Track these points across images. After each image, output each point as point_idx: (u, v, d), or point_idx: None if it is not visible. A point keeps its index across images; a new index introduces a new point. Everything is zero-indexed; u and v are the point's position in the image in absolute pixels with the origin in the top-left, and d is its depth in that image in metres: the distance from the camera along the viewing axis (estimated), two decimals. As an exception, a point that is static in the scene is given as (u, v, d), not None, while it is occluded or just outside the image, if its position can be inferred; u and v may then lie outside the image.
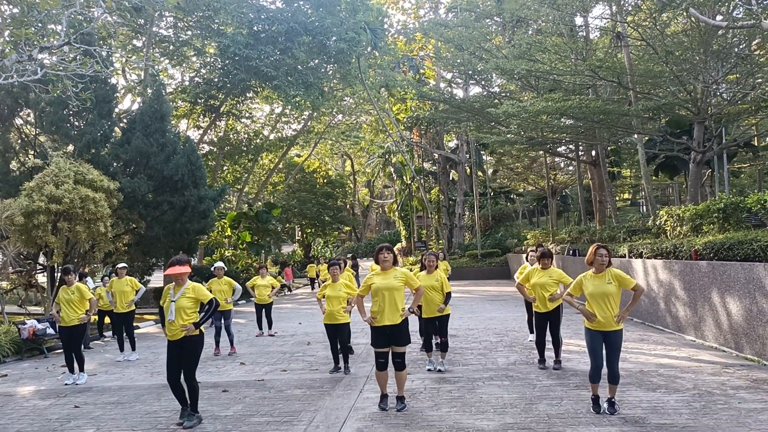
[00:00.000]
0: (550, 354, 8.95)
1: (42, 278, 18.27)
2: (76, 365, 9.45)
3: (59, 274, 12.10)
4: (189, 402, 6.76)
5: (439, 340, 9.10)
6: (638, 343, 10.56)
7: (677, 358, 9.09)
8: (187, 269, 6.75)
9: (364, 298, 7.18)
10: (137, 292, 11.86)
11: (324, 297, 9.10)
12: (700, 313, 10.48)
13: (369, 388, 7.97)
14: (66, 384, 9.30)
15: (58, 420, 7.21)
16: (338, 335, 9.06)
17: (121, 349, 11.65)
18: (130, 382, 9.32)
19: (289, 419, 6.72)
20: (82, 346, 10.00)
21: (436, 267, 8.88)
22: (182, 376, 6.69)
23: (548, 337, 8.79)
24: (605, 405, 6.41)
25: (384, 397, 7.01)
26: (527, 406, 6.77)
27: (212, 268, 12.46)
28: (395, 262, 7.05)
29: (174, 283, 6.92)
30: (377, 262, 7.04)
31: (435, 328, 8.99)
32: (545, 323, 8.73)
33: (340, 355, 9.22)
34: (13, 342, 12.48)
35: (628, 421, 6.04)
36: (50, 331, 13.02)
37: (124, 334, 11.71)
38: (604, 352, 6.37)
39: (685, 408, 6.37)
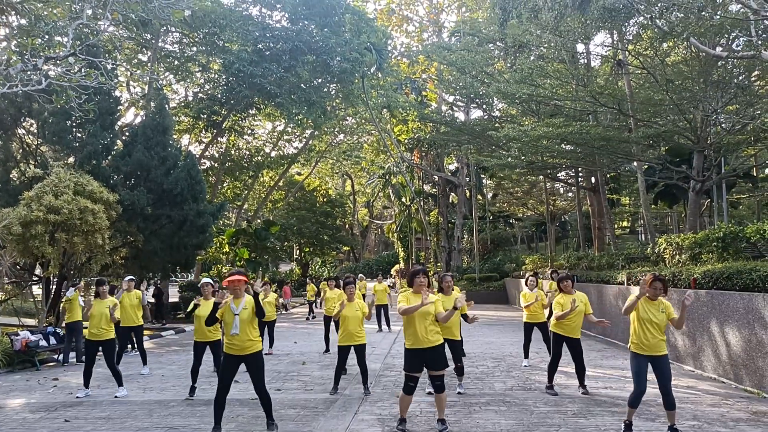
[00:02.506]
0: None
1: (37, 289, 18.14)
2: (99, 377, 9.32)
3: (91, 286, 11.85)
4: (265, 411, 6.85)
5: (454, 366, 8.96)
6: (636, 372, 10.45)
7: (676, 388, 8.94)
8: (244, 279, 6.81)
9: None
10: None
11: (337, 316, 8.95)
12: (699, 343, 10.40)
13: (364, 410, 7.86)
14: (77, 397, 9.16)
15: (47, 434, 7.09)
16: (357, 356, 8.93)
17: (117, 362, 11.49)
18: (121, 398, 9.19)
19: (283, 440, 6.62)
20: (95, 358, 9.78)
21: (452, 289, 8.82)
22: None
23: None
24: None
25: (402, 421, 6.84)
26: (524, 432, 6.68)
27: (200, 285, 12.26)
28: (428, 285, 6.98)
29: (232, 295, 6.84)
30: (411, 285, 6.94)
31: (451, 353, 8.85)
32: (562, 345, 8.65)
33: (349, 375, 9.11)
34: (4, 353, 12.34)
35: (626, 451, 5.95)
36: (43, 343, 12.92)
37: (128, 349, 11.56)
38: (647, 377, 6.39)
39: (685, 439, 6.29)
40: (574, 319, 8.54)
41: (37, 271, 17.82)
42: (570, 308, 8.37)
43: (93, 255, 15.94)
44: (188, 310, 9.17)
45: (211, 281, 9.58)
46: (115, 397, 9.15)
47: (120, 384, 9.39)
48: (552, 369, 8.77)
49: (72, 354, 13.22)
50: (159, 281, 23.04)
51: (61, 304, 15.41)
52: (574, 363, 8.66)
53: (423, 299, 6.59)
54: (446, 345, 8.48)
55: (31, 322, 18.18)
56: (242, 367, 11.17)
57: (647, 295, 6.50)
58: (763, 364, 8.38)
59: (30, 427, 7.46)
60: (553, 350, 8.83)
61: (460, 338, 8.83)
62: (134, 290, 11.70)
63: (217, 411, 6.72)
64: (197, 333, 9.23)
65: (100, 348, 9.31)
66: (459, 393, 8.73)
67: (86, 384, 9.30)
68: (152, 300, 23.72)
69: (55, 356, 13.39)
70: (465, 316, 8.56)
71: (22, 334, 12.70)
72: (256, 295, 6.78)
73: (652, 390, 8.81)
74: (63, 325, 14.24)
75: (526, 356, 11.34)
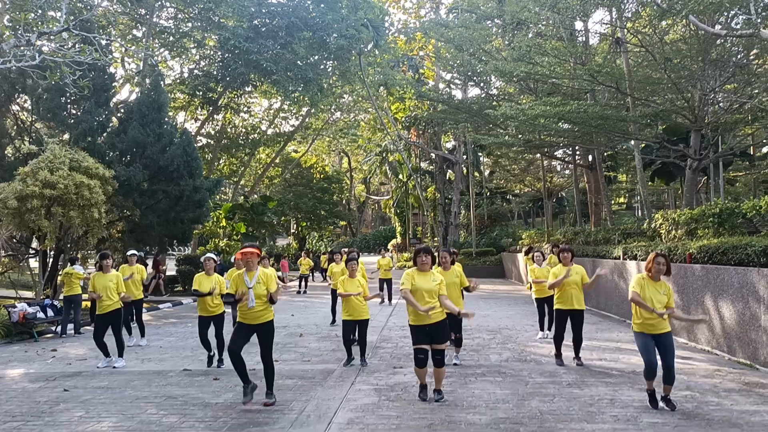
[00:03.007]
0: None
1: (34, 263, 18.17)
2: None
3: (88, 260, 11.99)
4: (266, 380, 6.94)
5: (453, 337, 9.05)
6: (631, 344, 10.53)
7: (669, 360, 9.09)
8: (257, 251, 6.89)
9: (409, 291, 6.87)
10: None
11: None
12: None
13: (361, 380, 7.94)
14: (98, 367, 9.26)
15: (47, 402, 7.15)
16: (359, 330, 9.04)
17: (129, 332, 11.60)
18: (120, 369, 9.26)
19: (281, 408, 6.69)
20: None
21: (452, 263, 8.83)
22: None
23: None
24: (662, 403, 6.43)
25: (423, 387, 7.01)
26: (519, 402, 6.76)
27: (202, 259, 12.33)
28: (433, 263, 7.04)
29: (245, 268, 6.90)
30: (416, 264, 6.98)
31: (451, 326, 8.91)
32: (566, 320, 8.75)
33: (355, 348, 9.21)
34: (2, 325, 12.39)
35: (620, 419, 6.04)
36: (41, 315, 12.97)
37: (129, 323, 11.67)
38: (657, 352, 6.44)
39: (678, 408, 6.37)
40: (571, 291, 8.61)
41: (34, 244, 17.82)
42: (563, 275, 8.47)
43: (89, 229, 15.93)
44: (193, 289, 9.16)
45: (214, 257, 9.55)
46: (114, 367, 9.22)
47: (120, 355, 9.46)
48: (558, 341, 8.86)
49: (70, 326, 13.28)
50: (158, 255, 23.07)
51: (59, 278, 15.44)
52: (572, 333, 8.74)
53: (420, 309, 6.65)
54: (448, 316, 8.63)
55: (29, 294, 18.23)
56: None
57: (650, 275, 6.53)
58: (756, 337, 8.47)
59: (29, 396, 7.52)
60: (556, 325, 8.94)
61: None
62: (136, 264, 11.78)
63: (240, 372, 6.80)
64: (200, 308, 9.19)
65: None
66: (455, 364, 8.82)
67: (106, 354, 9.40)
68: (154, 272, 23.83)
69: (53, 328, 13.45)
70: (466, 288, 8.64)
71: (19, 306, 12.75)
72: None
73: (642, 361, 8.93)
74: (60, 297, 14.29)
75: (542, 329, 11.44)
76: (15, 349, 11.53)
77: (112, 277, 9.49)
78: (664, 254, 6.60)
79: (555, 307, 8.93)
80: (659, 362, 6.38)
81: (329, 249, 35.53)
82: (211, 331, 9.14)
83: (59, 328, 13.23)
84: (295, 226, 50.24)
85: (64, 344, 11.83)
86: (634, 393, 7.06)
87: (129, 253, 12.04)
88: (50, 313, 13.27)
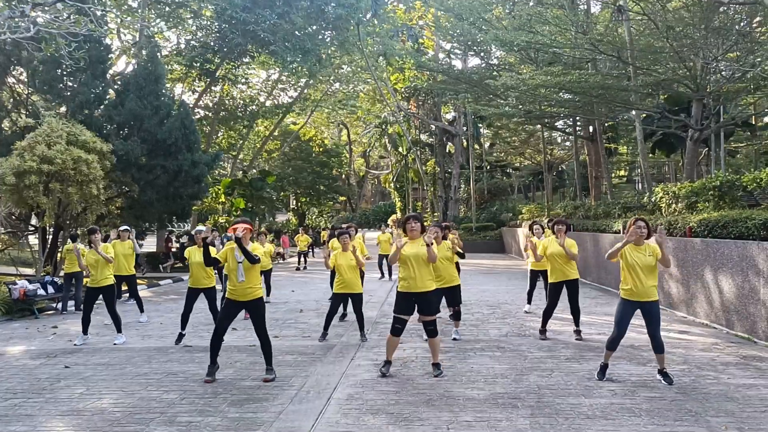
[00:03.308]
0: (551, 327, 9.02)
1: (33, 239, 18.17)
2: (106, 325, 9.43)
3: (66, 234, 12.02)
4: (264, 356, 6.99)
5: (451, 311, 9.07)
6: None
7: (668, 334, 9.11)
8: (249, 227, 6.86)
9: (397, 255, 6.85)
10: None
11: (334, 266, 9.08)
12: (693, 290, 10.51)
13: (360, 356, 7.98)
14: (75, 344, 9.27)
15: (47, 379, 7.19)
16: (353, 304, 9.08)
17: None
18: (120, 345, 9.30)
19: (280, 384, 6.72)
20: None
21: (444, 237, 8.84)
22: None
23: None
24: (659, 376, 6.48)
25: (387, 363, 7.02)
26: (518, 377, 6.79)
27: (194, 232, 12.36)
28: (422, 231, 7.00)
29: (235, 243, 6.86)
30: (405, 232, 6.97)
31: (449, 299, 8.92)
32: (560, 293, 8.78)
33: (346, 322, 9.31)
34: (3, 302, 12.43)
35: (617, 393, 6.07)
36: (41, 292, 12.99)
37: (125, 299, 11.69)
38: (630, 323, 6.51)
39: (675, 382, 6.39)
40: (560, 263, 8.68)
41: (33, 221, 17.80)
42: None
43: (88, 205, 15.89)
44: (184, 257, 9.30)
45: (204, 229, 9.61)
46: (114, 344, 9.26)
47: (119, 330, 9.51)
48: (547, 315, 8.90)
49: (71, 303, 13.32)
50: (155, 232, 23.11)
51: (59, 254, 15.45)
52: (570, 304, 8.77)
53: (397, 244, 6.75)
54: (445, 290, 8.64)
55: (29, 271, 18.27)
56: (242, 314, 11.28)
57: (632, 239, 6.50)
58: (755, 310, 8.48)
59: (30, 372, 7.56)
60: (549, 297, 8.97)
61: (458, 283, 8.89)
62: (127, 240, 11.75)
63: (214, 352, 6.93)
64: (192, 279, 9.32)
65: (101, 295, 9.43)
66: (454, 339, 8.86)
67: (85, 331, 9.41)
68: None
69: (54, 305, 13.49)
70: (461, 254, 8.67)
71: (20, 283, 12.76)
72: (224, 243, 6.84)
73: (643, 335, 8.96)
74: (61, 274, 14.31)
75: (529, 302, 11.50)
76: (16, 326, 11.57)
77: (104, 248, 9.51)
78: (644, 218, 6.59)
79: (549, 281, 8.96)
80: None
81: (329, 225, 35.53)
82: (205, 305, 9.17)
83: (60, 305, 13.28)
84: (294, 201, 50.18)
85: (65, 321, 11.87)
86: (632, 367, 7.09)
87: (122, 228, 11.99)
88: (51, 290, 13.28)
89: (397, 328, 6.86)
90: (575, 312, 8.81)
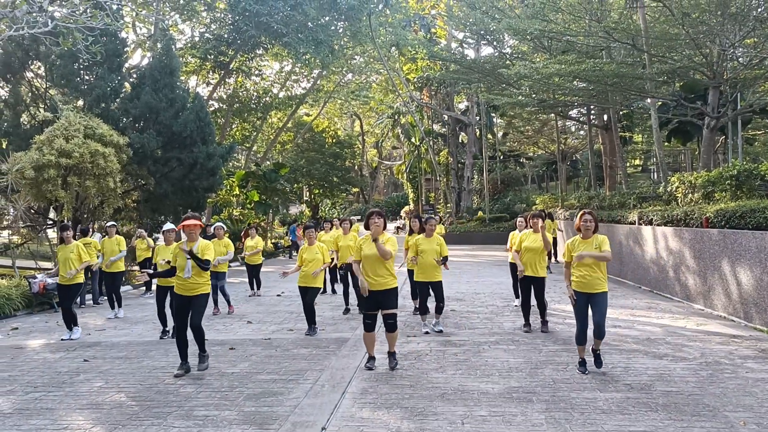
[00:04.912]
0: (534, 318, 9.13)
1: (52, 233, 18.37)
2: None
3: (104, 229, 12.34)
4: (197, 344, 7.15)
5: (436, 305, 9.05)
6: (646, 311, 10.54)
7: (685, 327, 9.07)
8: (199, 223, 7.05)
9: (360, 263, 7.02)
10: (121, 252, 12.07)
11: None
12: (710, 282, 10.42)
13: (374, 349, 7.99)
14: (62, 339, 9.41)
15: (67, 373, 7.29)
16: (308, 297, 9.14)
17: (111, 306, 11.77)
18: (138, 338, 9.41)
19: (295, 378, 6.77)
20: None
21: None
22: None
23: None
24: (590, 359, 6.65)
25: (371, 358, 7.16)
26: (532, 370, 6.79)
27: (212, 228, 12.49)
28: (384, 227, 7.02)
29: (186, 238, 7.05)
30: (367, 228, 6.98)
31: (428, 292, 8.94)
32: (530, 288, 8.90)
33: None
34: (23, 296, 12.62)
35: (633, 387, 6.04)
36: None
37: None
38: (589, 314, 6.59)
39: (692, 376, 6.36)
40: (532, 257, 8.79)
41: (51, 215, 17.98)
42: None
43: (105, 198, 16.03)
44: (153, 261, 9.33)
45: (173, 227, 9.53)
46: (68, 339, 9.35)
47: (69, 328, 9.52)
48: (525, 308, 9.05)
49: (88, 296, 13.47)
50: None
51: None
52: (535, 299, 8.90)
53: (360, 284, 6.91)
54: (429, 286, 8.77)
55: (48, 265, 18.48)
56: (255, 308, 11.37)
57: (580, 236, 6.68)
58: (773, 302, 8.40)
59: (50, 366, 7.68)
60: (521, 293, 9.14)
61: (440, 279, 8.82)
62: (115, 236, 11.97)
63: (182, 348, 7.06)
64: (159, 279, 9.08)
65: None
66: (440, 331, 8.89)
67: (69, 326, 9.50)
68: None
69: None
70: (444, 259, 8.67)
71: (39, 277, 12.93)
72: (191, 253, 6.90)
73: (659, 328, 8.93)
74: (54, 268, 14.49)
75: (517, 296, 11.49)
76: (36, 319, 11.74)
77: (72, 248, 9.53)
78: (591, 212, 6.75)
79: (519, 275, 9.01)
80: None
81: (340, 216, 35.48)
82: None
83: (78, 299, 13.41)
84: (307, 193, 50.24)
85: (83, 314, 12.00)
86: (648, 361, 7.05)
87: (108, 224, 12.41)
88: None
89: (369, 324, 7.03)
90: (541, 306, 8.97)
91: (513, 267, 11.04)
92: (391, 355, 7.13)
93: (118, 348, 8.69)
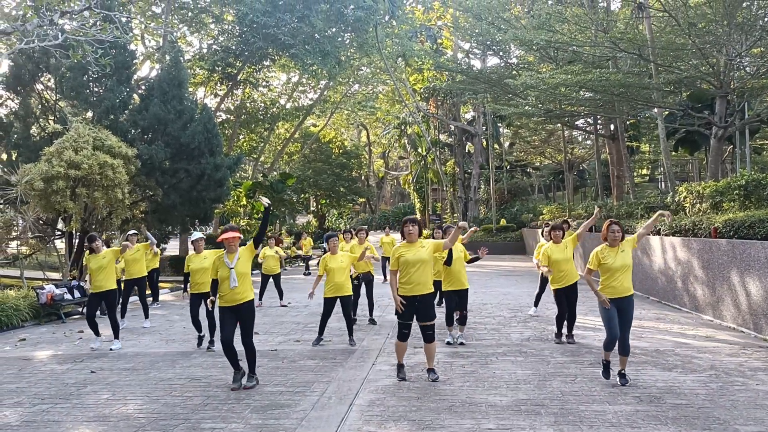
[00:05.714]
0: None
1: (60, 244, 18.45)
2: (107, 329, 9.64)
3: (85, 242, 12.32)
4: (248, 363, 7.01)
5: (458, 315, 9.05)
6: (654, 322, 10.47)
7: (694, 338, 9.01)
8: (238, 235, 6.99)
9: (396, 273, 6.93)
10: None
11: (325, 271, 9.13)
12: (719, 293, 10.35)
13: (382, 361, 7.98)
14: (91, 348, 9.44)
15: (74, 384, 7.30)
16: (342, 307, 9.11)
17: (122, 315, 11.84)
18: (145, 349, 9.42)
19: (302, 390, 6.75)
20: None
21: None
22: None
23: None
24: (617, 378, 6.53)
25: (401, 366, 7.09)
26: (540, 382, 6.74)
27: (190, 240, 12.56)
28: (420, 234, 7.01)
29: (225, 250, 7.00)
30: (403, 236, 6.98)
31: (456, 302, 8.91)
32: (563, 298, 8.79)
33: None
34: (31, 307, 12.65)
35: (643, 400, 5.99)
36: (68, 296, 13.20)
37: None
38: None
39: (702, 388, 6.31)
40: (567, 268, 8.73)
41: (60, 225, 18.08)
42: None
43: (114, 209, 16.11)
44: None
45: (201, 235, 9.78)
46: (110, 349, 9.38)
47: (116, 336, 9.64)
48: (560, 320, 8.91)
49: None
50: (179, 235, 23.28)
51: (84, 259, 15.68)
52: (567, 309, 8.79)
53: (394, 294, 6.86)
54: (458, 295, 8.72)
55: (56, 276, 18.56)
56: (261, 319, 11.33)
57: (607, 243, 6.75)
58: (783, 314, 8.33)
59: (58, 377, 7.69)
60: (557, 304, 9.01)
61: (468, 287, 8.86)
62: (136, 244, 12.00)
63: (232, 358, 6.93)
64: (193, 286, 9.33)
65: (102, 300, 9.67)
66: (461, 343, 8.83)
67: (97, 333, 9.60)
68: None
69: (80, 309, 13.70)
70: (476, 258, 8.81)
71: (47, 287, 12.97)
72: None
73: (668, 339, 8.86)
74: (86, 278, 14.54)
75: (536, 305, 11.50)
76: (43, 330, 11.77)
77: (106, 254, 9.62)
78: (618, 222, 6.80)
79: (552, 287, 8.92)
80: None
81: (348, 227, 35.58)
82: (202, 310, 9.24)
83: (86, 309, 13.46)
84: (314, 203, 50.34)
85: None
86: (658, 373, 7.00)
87: (130, 233, 12.36)
88: (77, 294, 13.50)
89: (405, 333, 6.93)
90: (571, 319, 8.85)
91: (544, 277, 11.05)
92: (431, 371, 7.02)
93: (125, 359, 8.70)
